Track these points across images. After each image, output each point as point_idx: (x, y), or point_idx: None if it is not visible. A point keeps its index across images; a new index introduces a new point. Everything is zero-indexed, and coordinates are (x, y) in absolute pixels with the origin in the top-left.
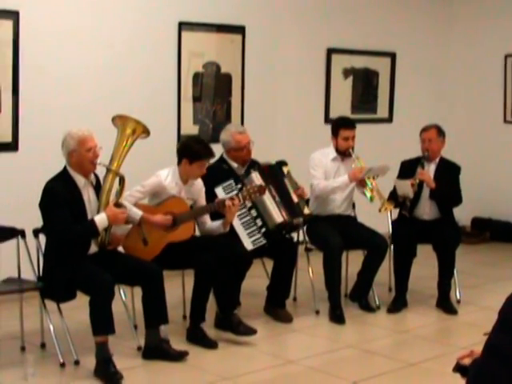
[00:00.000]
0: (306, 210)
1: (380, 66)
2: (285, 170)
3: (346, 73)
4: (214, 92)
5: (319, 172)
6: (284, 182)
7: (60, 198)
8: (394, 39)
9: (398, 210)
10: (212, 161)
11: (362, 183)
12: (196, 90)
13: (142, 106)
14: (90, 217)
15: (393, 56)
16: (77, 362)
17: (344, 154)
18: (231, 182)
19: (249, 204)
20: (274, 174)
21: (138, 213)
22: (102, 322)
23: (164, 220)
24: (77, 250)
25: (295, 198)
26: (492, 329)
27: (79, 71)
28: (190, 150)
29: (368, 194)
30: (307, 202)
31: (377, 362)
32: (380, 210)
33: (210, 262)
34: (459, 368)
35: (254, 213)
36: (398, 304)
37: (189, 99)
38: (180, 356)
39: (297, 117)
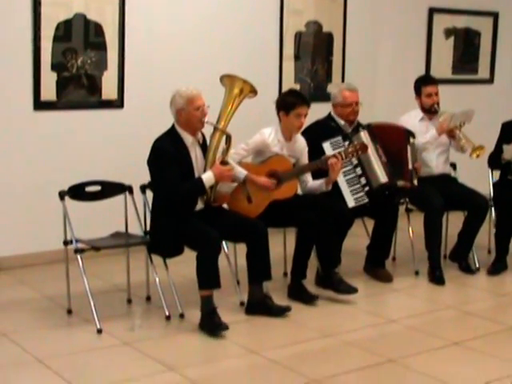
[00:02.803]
0: (415, 182)
1: (482, 26)
2: (411, 140)
3: (448, 33)
4: (315, 51)
5: None
6: (407, 148)
7: (169, 157)
8: None
9: (499, 173)
10: (320, 118)
11: (451, 134)
12: (297, 49)
13: (245, 65)
14: (196, 175)
15: (495, 16)
16: (182, 315)
17: (430, 111)
18: (339, 138)
19: (355, 162)
20: (403, 137)
21: (242, 172)
22: (208, 276)
23: (269, 183)
24: (184, 206)
25: (411, 166)
26: None
27: (183, 30)
28: (284, 102)
29: (460, 144)
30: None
31: (477, 323)
32: (471, 155)
33: (312, 220)
34: None
35: (358, 171)
36: (499, 266)
37: (290, 58)
38: (282, 311)
39: (397, 77)
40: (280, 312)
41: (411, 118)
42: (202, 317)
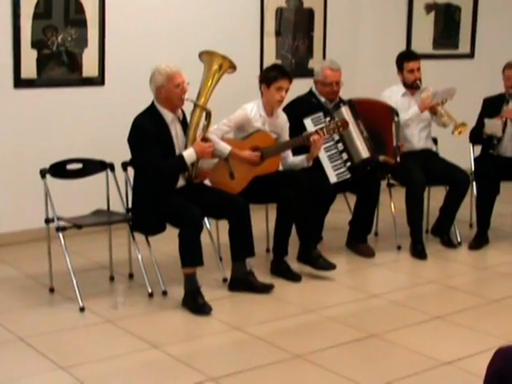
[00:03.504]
0: (398, 159)
1: (462, 1)
2: (396, 118)
3: (428, 8)
4: (296, 27)
5: None
6: (392, 125)
7: (149, 134)
8: None
9: (480, 148)
10: (301, 94)
11: (432, 110)
12: (278, 25)
13: (226, 41)
14: (177, 152)
15: None
16: (164, 293)
17: (412, 86)
18: (320, 114)
19: (336, 137)
20: (388, 114)
21: (226, 147)
22: (191, 254)
23: (253, 156)
24: (165, 183)
25: (395, 143)
26: None
27: (164, 6)
28: (265, 75)
29: (442, 120)
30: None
31: (459, 297)
32: (453, 133)
33: (289, 195)
34: None
35: (340, 146)
36: (480, 241)
37: (271, 34)
38: (266, 289)
39: (379, 52)
40: (263, 289)
41: (393, 93)
42: (185, 294)
